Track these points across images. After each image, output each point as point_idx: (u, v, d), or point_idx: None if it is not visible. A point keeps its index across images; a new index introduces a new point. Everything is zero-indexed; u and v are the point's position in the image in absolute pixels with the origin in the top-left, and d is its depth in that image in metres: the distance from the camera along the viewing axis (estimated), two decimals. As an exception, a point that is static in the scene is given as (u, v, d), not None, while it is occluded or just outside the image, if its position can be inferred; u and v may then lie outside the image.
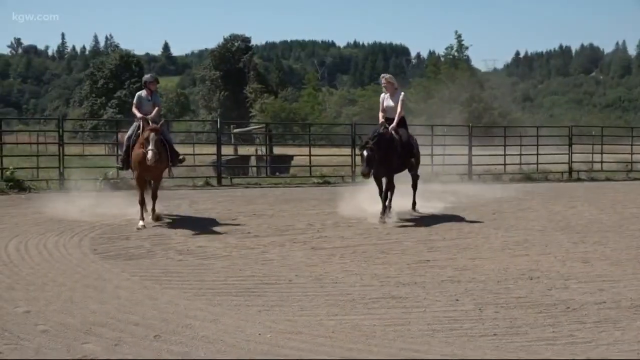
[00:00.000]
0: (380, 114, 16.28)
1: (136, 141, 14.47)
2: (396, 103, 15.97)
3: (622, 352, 6.98)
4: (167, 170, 16.49)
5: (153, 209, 15.13)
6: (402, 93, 16.47)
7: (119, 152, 17.30)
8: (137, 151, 14.30)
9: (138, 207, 14.72)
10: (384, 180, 15.79)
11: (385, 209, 15.64)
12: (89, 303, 8.30)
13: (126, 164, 15.31)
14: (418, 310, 8.49)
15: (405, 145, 16.06)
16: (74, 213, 15.31)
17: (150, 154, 13.40)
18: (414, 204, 17.14)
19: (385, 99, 16.25)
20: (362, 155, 14.98)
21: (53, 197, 17.84)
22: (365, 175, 15.00)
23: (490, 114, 78.70)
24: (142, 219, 14.40)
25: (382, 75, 16.96)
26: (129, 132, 15.17)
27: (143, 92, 15.26)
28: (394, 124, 15.72)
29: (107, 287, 9.23)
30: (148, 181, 15.17)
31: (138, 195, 14.67)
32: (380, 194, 15.91)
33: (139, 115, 14.80)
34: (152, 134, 13.58)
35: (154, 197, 15.07)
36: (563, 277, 10.23)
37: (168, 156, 14.80)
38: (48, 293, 8.74)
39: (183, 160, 16.29)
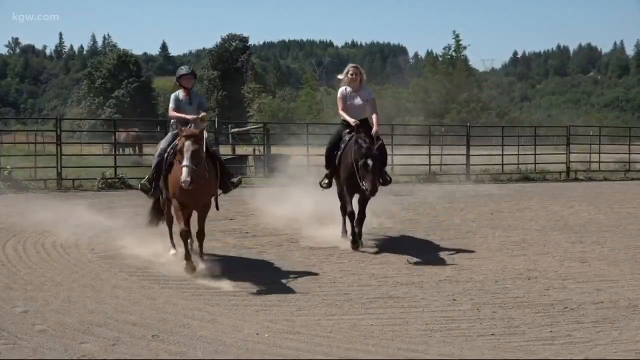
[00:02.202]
0: (342, 114, 12.14)
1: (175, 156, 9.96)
2: (364, 101, 12.10)
3: (620, 352, 7.00)
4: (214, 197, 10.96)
5: (201, 252, 10.54)
6: (372, 91, 12.85)
7: (150, 173, 11.21)
8: (174, 174, 9.83)
9: (169, 242, 11.31)
10: (356, 197, 11.99)
11: (357, 234, 11.94)
12: (86, 302, 8.30)
13: (155, 185, 10.87)
14: (416, 310, 8.50)
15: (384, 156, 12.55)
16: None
17: (184, 172, 9.02)
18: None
19: (349, 96, 12.11)
20: (366, 165, 10.98)
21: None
22: (375, 193, 11.10)
23: (488, 114, 78.90)
24: (190, 260, 9.94)
25: (350, 64, 12.57)
26: (163, 144, 10.86)
27: (180, 93, 11.02)
28: (376, 128, 11.75)
29: (104, 286, 9.22)
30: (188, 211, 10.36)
31: (180, 229, 9.89)
32: (346, 213, 12.26)
33: (190, 117, 10.46)
34: (188, 143, 9.16)
35: (200, 237, 10.38)
36: (561, 277, 10.25)
37: (217, 176, 10.31)
38: (46, 293, 8.71)
39: (238, 183, 11.22)
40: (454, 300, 8.77)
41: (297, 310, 8.27)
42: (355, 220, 11.79)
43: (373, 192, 10.93)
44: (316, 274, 10.21)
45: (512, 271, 10.54)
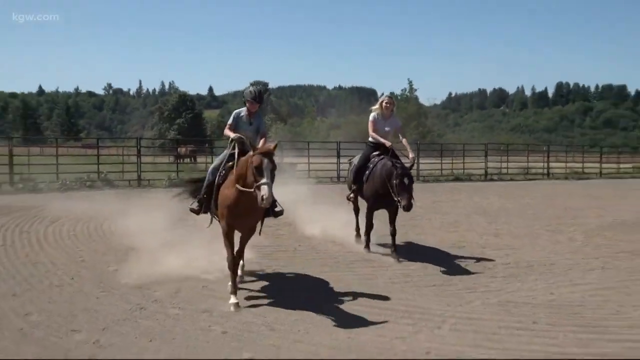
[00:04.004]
0: (374, 135, 9.48)
1: (227, 177, 7.01)
2: (391, 128, 9.56)
3: (521, 296, 7.03)
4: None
5: (241, 268, 7.61)
6: (399, 120, 9.89)
7: (200, 194, 7.74)
8: (226, 191, 6.82)
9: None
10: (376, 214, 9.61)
11: (393, 244, 9.25)
12: (156, 267, 8.04)
13: (206, 206, 7.53)
14: (382, 269, 8.51)
15: None
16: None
17: (265, 190, 6.04)
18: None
19: (379, 121, 9.55)
20: (403, 183, 8.54)
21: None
22: (410, 208, 8.57)
23: (431, 135, 78.82)
24: (235, 292, 6.60)
25: (386, 95, 10.05)
26: (216, 163, 7.66)
27: (243, 111, 7.61)
28: (412, 154, 9.38)
29: (177, 251, 9.05)
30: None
31: (227, 255, 6.80)
32: (368, 230, 9.71)
33: (232, 135, 7.31)
34: (267, 161, 6.22)
35: (239, 258, 7.28)
36: (481, 247, 10.26)
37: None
38: (133, 257, 8.40)
39: (281, 213, 7.41)
40: (408, 262, 8.78)
41: (302, 269, 8.28)
42: (390, 234, 9.20)
43: (409, 207, 8.47)
44: (315, 244, 10.19)
45: (448, 243, 10.54)
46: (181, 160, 33.16)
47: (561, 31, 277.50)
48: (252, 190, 6.19)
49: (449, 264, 8.82)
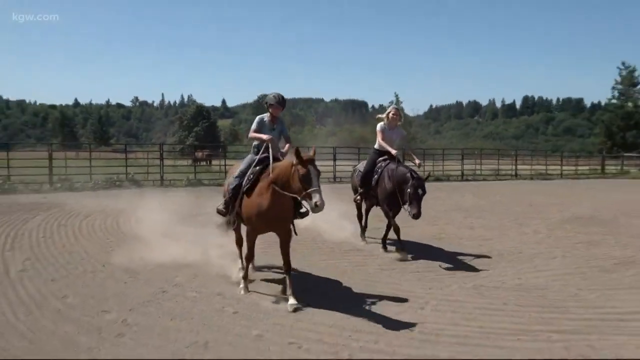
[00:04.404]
0: (383, 144, 8.86)
1: (257, 181, 6.20)
2: (397, 138, 9.03)
3: (493, 281, 7.02)
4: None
5: (291, 286, 5.96)
6: (403, 130, 9.36)
7: (226, 196, 6.84)
8: (256, 196, 6.08)
9: (240, 263, 6.87)
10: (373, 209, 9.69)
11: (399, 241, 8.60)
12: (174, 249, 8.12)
13: (231, 209, 6.67)
14: (373, 257, 8.50)
15: None
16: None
17: (318, 197, 5.39)
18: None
19: (386, 131, 8.93)
20: (417, 193, 7.85)
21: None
22: (419, 217, 7.92)
23: (415, 141, 78.75)
24: (246, 278, 6.47)
25: (393, 106, 9.59)
26: (242, 166, 6.72)
27: (266, 117, 6.87)
28: (418, 160, 8.74)
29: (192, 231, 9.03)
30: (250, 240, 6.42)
31: (247, 251, 6.42)
32: (361, 219, 9.90)
33: (264, 137, 6.50)
34: (313, 167, 5.58)
35: (288, 268, 6.08)
36: (458, 238, 10.25)
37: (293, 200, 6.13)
38: (137, 247, 8.23)
39: (307, 214, 6.56)
40: (396, 252, 8.75)
41: (302, 257, 8.22)
42: (395, 231, 8.65)
43: (418, 216, 7.81)
44: (315, 235, 10.13)
45: (429, 235, 10.52)
46: (198, 163, 33.29)
47: (528, 50, 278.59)
48: (296, 196, 5.63)
49: (430, 253, 8.80)
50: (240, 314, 5.50)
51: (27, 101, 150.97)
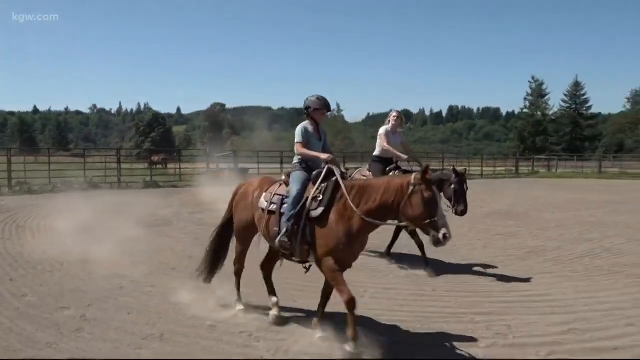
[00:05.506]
0: (390, 149, 7.66)
1: (329, 205, 4.33)
2: (400, 142, 7.91)
3: (423, 270, 7.13)
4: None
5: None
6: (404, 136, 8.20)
7: (287, 225, 4.44)
8: (337, 224, 4.26)
9: (236, 295, 5.34)
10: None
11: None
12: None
13: (294, 240, 4.47)
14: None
15: None
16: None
17: (447, 229, 3.99)
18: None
19: (390, 135, 7.82)
20: (461, 189, 6.78)
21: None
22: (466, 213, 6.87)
23: (354, 145, 79.65)
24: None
25: (394, 109, 8.37)
26: (298, 187, 4.53)
27: (309, 125, 4.87)
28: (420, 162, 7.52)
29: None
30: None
31: (345, 296, 4.16)
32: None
33: (324, 157, 4.64)
34: (438, 191, 4.18)
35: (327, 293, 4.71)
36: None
37: None
38: (113, 246, 8.04)
39: None
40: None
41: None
42: (419, 246, 7.44)
43: (465, 212, 6.82)
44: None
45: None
46: (154, 167, 32.59)
47: (452, 65, 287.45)
48: (409, 225, 4.34)
49: (369, 247, 8.84)
50: (194, 307, 5.36)
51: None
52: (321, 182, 4.50)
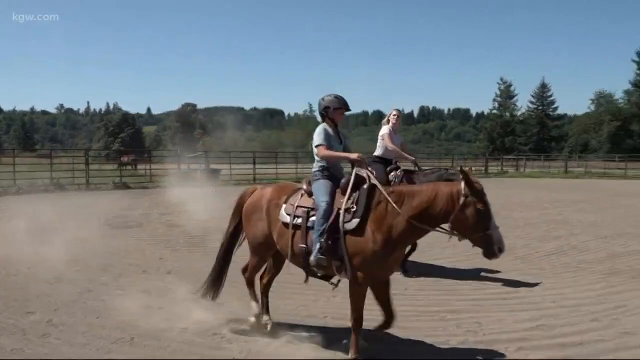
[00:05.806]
0: (395, 149, 7.51)
1: (364, 215, 3.94)
2: (399, 144, 7.64)
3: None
4: None
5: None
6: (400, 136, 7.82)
7: (320, 241, 3.98)
8: (376, 233, 3.89)
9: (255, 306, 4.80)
10: None
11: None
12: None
13: (332, 257, 4.01)
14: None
15: None
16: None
17: (502, 241, 3.73)
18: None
19: (392, 135, 7.61)
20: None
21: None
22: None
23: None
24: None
25: (394, 108, 7.81)
26: (325, 202, 4.08)
27: (329, 127, 4.47)
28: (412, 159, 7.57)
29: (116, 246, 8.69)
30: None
31: (358, 317, 4.09)
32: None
33: (353, 156, 4.25)
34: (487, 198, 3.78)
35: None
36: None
37: None
38: (62, 248, 8.02)
39: None
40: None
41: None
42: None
43: None
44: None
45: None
46: (124, 167, 32.01)
47: (422, 65, 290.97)
48: (459, 235, 3.91)
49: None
50: (166, 310, 5.28)
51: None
52: (352, 191, 4.08)
